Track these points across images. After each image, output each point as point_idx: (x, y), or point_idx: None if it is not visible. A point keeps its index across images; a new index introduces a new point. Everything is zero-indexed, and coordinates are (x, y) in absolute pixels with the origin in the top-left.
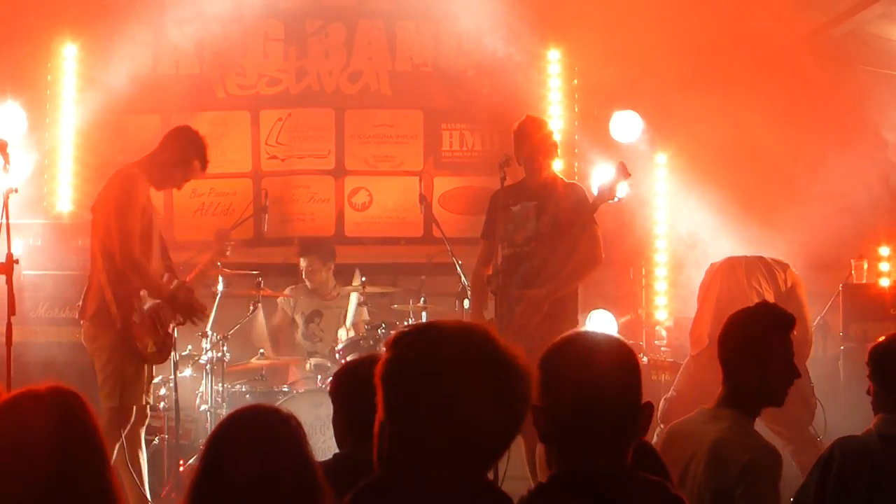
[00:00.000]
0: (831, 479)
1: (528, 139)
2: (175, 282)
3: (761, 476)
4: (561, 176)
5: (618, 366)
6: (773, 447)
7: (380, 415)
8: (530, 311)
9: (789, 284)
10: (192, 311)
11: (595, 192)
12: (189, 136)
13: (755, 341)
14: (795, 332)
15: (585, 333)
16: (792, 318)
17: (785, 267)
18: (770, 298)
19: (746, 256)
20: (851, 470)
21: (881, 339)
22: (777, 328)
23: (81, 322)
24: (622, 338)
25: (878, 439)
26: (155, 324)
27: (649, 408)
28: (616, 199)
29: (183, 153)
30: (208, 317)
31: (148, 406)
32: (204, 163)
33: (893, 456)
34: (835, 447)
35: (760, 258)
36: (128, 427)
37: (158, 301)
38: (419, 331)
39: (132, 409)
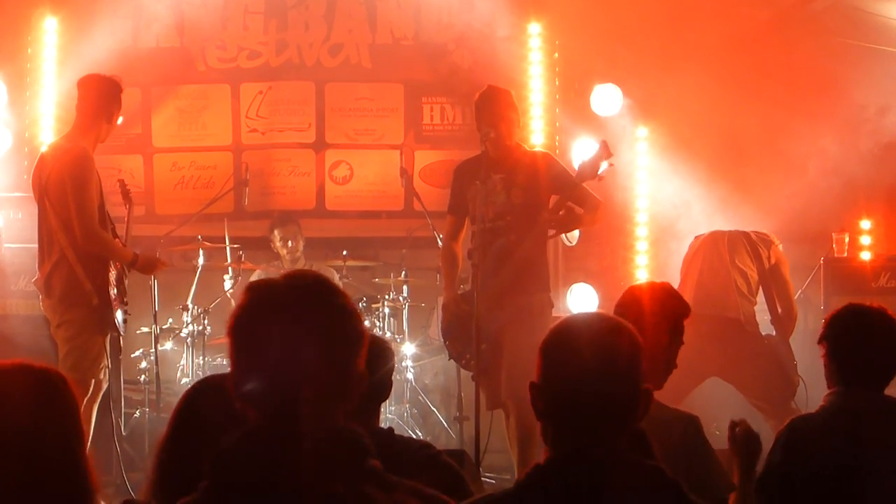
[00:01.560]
0: (783, 459)
1: (491, 108)
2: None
3: None
4: (523, 145)
5: (619, 350)
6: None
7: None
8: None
9: (773, 261)
10: (155, 267)
11: (577, 168)
12: (102, 85)
13: None
14: (772, 314)
15: (589, 315)
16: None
17: (769, 244)
18: (753, 275)
19: (731, 231)
20: (803, 448)
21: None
22: None
23: (46, 300)
24: (626, 322)
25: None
26: (121, 290)
27: (648, 393)
28: (598, 178)
29: (103, 105)
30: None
31: (107, 380)
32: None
33: (846, 430)
34: (789, 426)
35: (745, 233)
36: (84, 400)
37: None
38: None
39: (90, 382)
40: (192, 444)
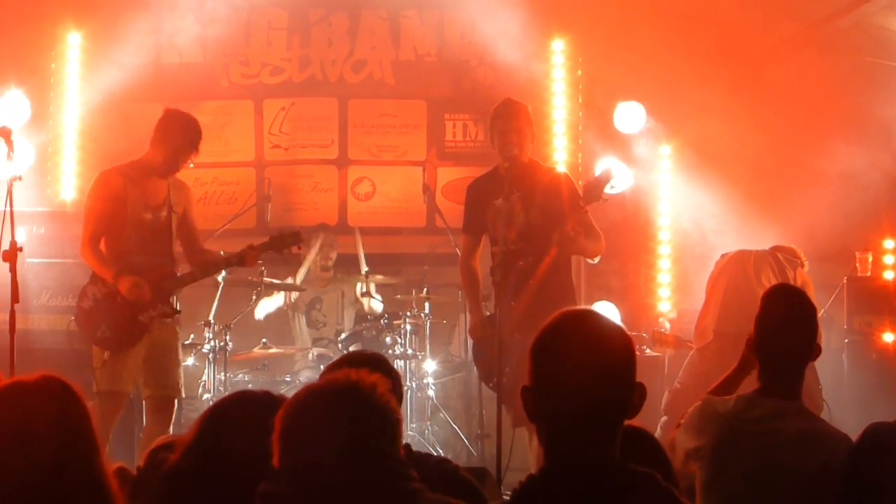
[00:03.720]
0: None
1: (511, 122)
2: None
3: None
4: (537, 160)
5: (611, 348)
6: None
7: None
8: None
9: (799, 284)
10: (130, 293)
11: (583, 190)
12: (180, 123)
13: None
14: None
15: (578, 313)
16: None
17: (796, 265)
18: None
19: (758, 251)
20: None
21: None
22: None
23: None
24: (614, 320)
25: None
26: (112, 307)
27: (642, 388)
28: (604, 200)
29: (178, 140)
30: (152, 308)
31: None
32: (195, 146)
33: None
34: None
35: (772, 253)
36: (117, 413)
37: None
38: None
39: (107, 394)
40: (216, 447)
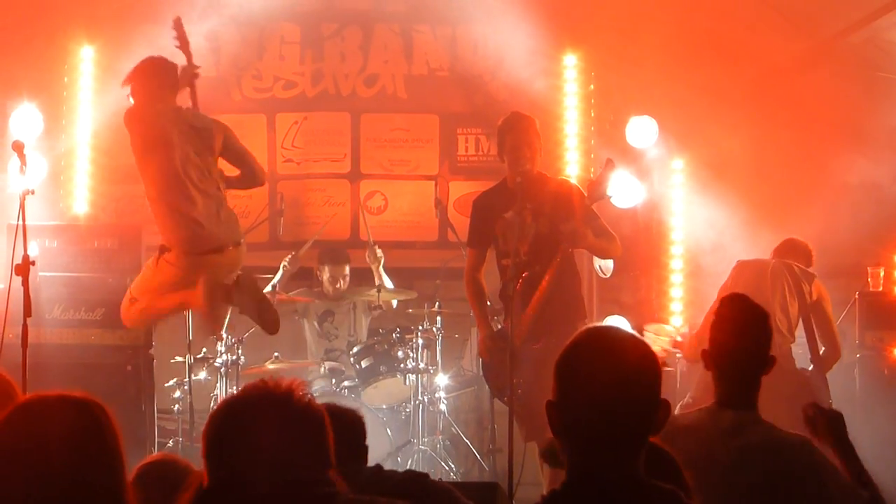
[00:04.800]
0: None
1: (519, 137)
2: None
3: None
4: (545, 173)
5: (635, 364)
6: None
7: None
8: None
9: (815, 297)
10: None
11: (587, 190)
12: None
13: None
14: (822, 347)
15: (603, 329)
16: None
17: (811, 278)
18: (794, 311)
19: (776, 262)
20: None
21: None
22: None
23: None
24: (639, 335)
25: None
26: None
27: (666, 404)
28: (609, 196)
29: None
30: None
31: None
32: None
33: None
34: None
35: (789, 266)
36: None
37: None
38: None
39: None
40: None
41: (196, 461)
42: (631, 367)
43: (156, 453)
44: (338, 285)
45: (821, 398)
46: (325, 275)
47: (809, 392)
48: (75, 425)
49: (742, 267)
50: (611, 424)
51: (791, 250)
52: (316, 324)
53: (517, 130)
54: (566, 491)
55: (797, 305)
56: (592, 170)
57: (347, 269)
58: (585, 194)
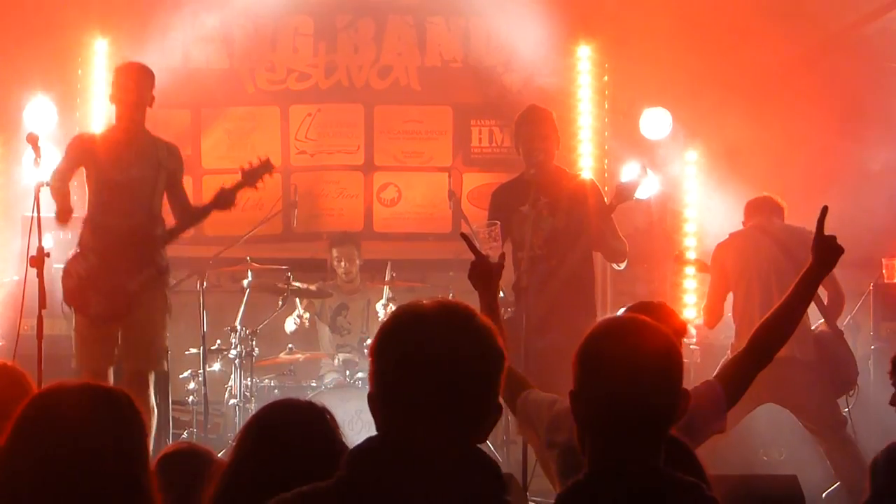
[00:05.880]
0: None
1: (535, 129)
2: None
3: None
4: (563, 167)
5: (657, 354)
6: None
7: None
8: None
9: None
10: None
11: (616, 190)
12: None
13: None
14: (818, 305)
15: (624, 319)
16: None
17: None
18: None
19: (753, 230)
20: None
21: None
22: None
23: None
24: (662, 326)
25: None
26: (98, 279)
27: (687, 394)
28: (634, 199)
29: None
30: None
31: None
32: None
33: None
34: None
35: (768, 230)
36: None
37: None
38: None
39: (81, 372)
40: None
41: (217, 448)
42: (652, 357)
43: (175, 442)
44: (348, 268)
45: (843, 362)
46: (335, 258)
47: (830, 354)
48: (98, 415)
49: (723, 250)
50: (632, 415)
51: (758, 209)
52: (329, 319)
53: (532, 123)
54: (588, 481)
55: (793, 269)
56: (606, 162)
57: (356, 253)
58: (607, 196)
